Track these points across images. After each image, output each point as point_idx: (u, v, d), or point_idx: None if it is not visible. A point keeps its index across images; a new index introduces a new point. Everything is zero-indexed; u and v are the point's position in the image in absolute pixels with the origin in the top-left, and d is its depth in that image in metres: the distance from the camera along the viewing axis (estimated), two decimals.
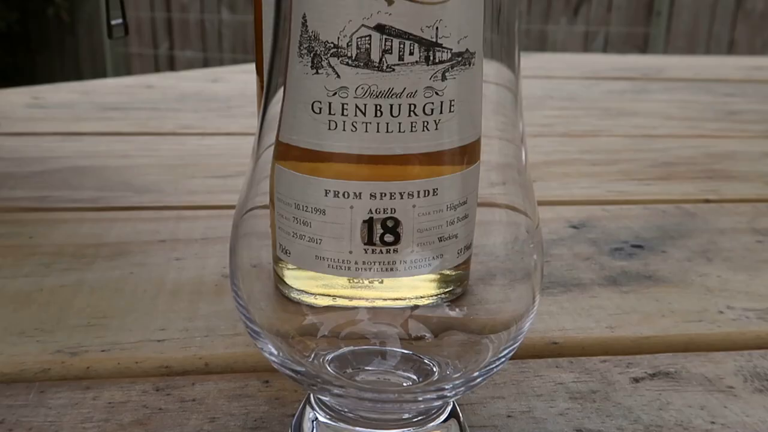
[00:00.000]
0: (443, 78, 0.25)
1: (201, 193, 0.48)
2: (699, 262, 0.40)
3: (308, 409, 0.23)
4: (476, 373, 0.21)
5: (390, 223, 0.24)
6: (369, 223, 0.25)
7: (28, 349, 0.30)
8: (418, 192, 0.25)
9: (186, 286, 0.35)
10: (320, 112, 0.26)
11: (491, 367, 0.21)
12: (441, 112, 0.25)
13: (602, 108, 0.77)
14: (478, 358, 0.22)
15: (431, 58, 0.24)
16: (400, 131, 0.25)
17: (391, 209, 0.25)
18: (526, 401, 0.27)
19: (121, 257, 0.38)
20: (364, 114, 0.25)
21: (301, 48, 0.26)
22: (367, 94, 0.25)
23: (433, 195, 0.25)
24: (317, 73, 0.26)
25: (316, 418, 0.23)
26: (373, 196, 0.25)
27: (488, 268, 0.22)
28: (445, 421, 0.23)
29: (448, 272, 0.25)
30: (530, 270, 0.22)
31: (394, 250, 0.25)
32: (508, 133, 0.22)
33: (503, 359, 0.22)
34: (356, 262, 0.25)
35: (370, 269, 0.25)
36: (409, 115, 0.25)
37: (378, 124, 0.25)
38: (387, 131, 0.25)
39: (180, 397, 0.27)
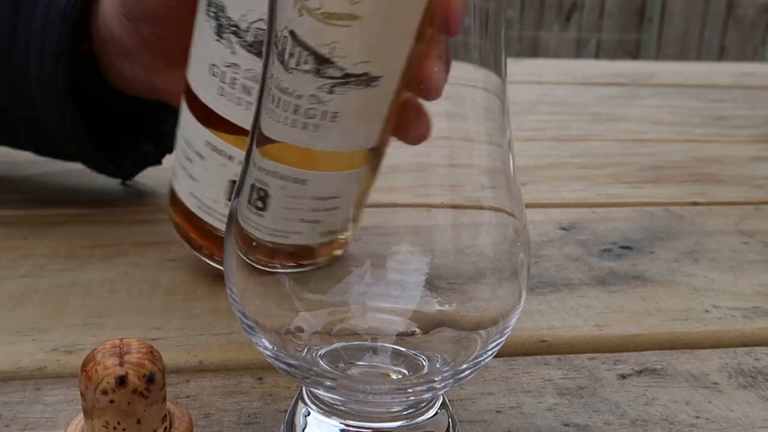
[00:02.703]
0: (330, 92, 0.27)
1: None
2: (686, 262, 0.41)
3: (300, 404, 0.24)
4: (465, 366, 0.22)
5: (259, 192, 0.26)
6: (233, 183, 0.27)
7: (25, 348, 0.30)
8: (287, 177, 0.27)
9: (181, 286, 0.36)
10: (215, 76, 0.29)
11: (479, 360, 0.22)
12: (321, 120, 0.27)
13: (593, 113, 0.78)
14: (467, 352, 0.22)
15: (321, 72, 0.26)
16: (279, 122, 0.27)
17: (262, 182, 0.27)
18: (515, 397, 0.28)
19: (116, 258, 0.38)
20: (249, 94, 0.28)
21: (209, 10, 0.28)
22: (255, 78, 0.27)
23: (302, 184, 0.28)
24: (218, 40, 0.29)
25: (309, 413, 0.23)
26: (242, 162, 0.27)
27: (478, 267, 0.23)
28: (435, 414, 0.23)
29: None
30: (517, 268, 0.23)
31: (259, 215, 0.27)
32: (497, 138, 0.22)
33: (491, 353, 0.22)
34: (221, 213, 0.29)
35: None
36: (292, 112, 0.26)
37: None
38: (269, 117, 0.27)
39: (175, 393, 0.27)
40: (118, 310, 0.33)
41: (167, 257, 0.39)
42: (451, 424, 0.24)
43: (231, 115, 0.29)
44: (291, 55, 0.27)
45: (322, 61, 0.26)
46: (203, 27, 0.30)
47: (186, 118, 0.32)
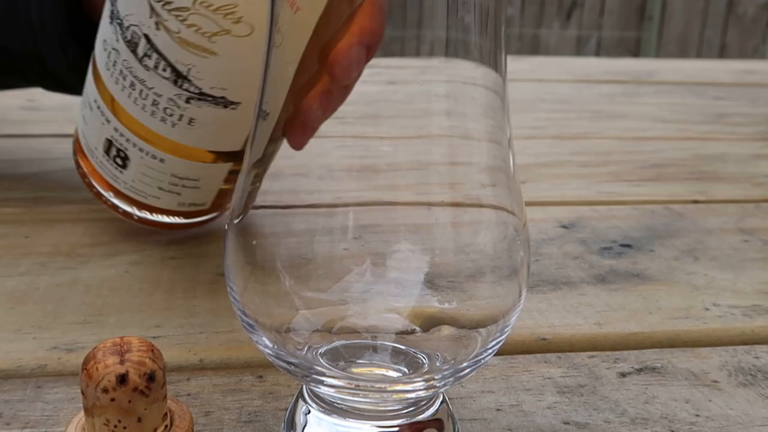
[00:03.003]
0: (187, 101, 0.32)
1: None
2: (686, 261, 0.41)
3: (301, 402, 0.24)
4: (465, 364, 0.22)
5: (122, 154, 0.34)
6: (108, 141, 0.34)
7: (25, 346, 0.30)
8: (146, 152, 0.34)
9: (181, 284, 0.36)
10: (104, 51, 0.33)
11: (479, 358, 0.22)
12: (179, 120, 0.32)
13: (593, 111, 0.78)
14: (467, 350, 0.22)
15: (178, 83, 0.31)
16: (143, 109, 0.32)
17: (124, 147, 0.34)
18: (515, 395, 0.28)
19: (117, 256, 0.38)
20: (124, 80, 0.32)
21: None
22: (128, 70, 0.32)
23: (160, 162, 0.34)
24: (110, 23, 0.33)
25: (309, 411, 0.23)
26: (116, 130, 0.34)
27: (478, 266, 0.23)
28: (435, 413, 0.23)
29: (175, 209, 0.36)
30: (517, 267, 0.23)
31: (120, 171, 0.35)
32: (496, 136, 0.22)
33: (491, 351, 0.22)
34: (99, 161, 0.36)
35: (104, 171, 0.36)
36: (152, 105, 0.32)
37: (131, 93, 0.32)
38: (134, 102, 0.32)
39: (175, 392, 0.27)
40: (119, 308, 0.33)
41: (168, 255, 0.39)
42: (451, 422, 0.24)
43: (110, 88, 0.33)
44: (147, 56, 0.31)
45: (179, 76, 0.31)
46: (107, 3, 0.34)
47: (90, 68, 0.36)
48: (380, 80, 0.22)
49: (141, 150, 0.34)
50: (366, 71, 0.22)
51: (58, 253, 0.39)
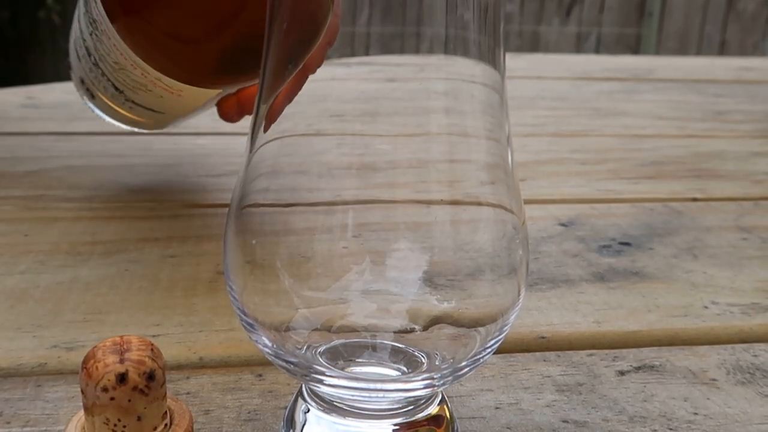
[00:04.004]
0: (126, 101, 0.41)
1: (195, 192, 0.49)
2: (685, 258, 0.41)
3: (300, 401, 0.24)
4: (464, 363, 0.22)
5: (89, 93, 0.43)
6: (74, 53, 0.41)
7: (25, 345, 0.30)
8: (100, 86, 0.41)
9: (181, 282, 0.36)
10: (84, 14, 0.38)
11: (478, 357, 0.22)
12: (124, 102, 0.40)
13: (593, 108, 0.78)
14: (466, 349, 0.22)
15: (118, 90, 0.40)
16: (102, 75, 0.39)
17: (89, 80, 0.41)
18: (514, 393, 0.28)
19: (116, 255, 0.38)
20: (93, 42, 0.37)
21: None
22: (93, 34, 0.37)
23: (115, 92, 0.40)
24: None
25: (308, 410, 0.24)
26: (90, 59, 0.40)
27: (477, 264, 0.23)
28: (434, 411, 0.23)
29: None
30: (516, 265, 0.23)
31: (90, 102, 0.44)
32: (495, 133, 0.22)
33: (490, 350, 0.22)
34: (72, 67, 0.43)
35: (74, 74, 0.43)
36: (102, 75, 0.39)
37: (93, 56, 0.38)
38: (94, 64, 0.39)
39: (175, 390, 0.28)
40: (119, 306, 0.33)
41: (167, 253, 0.39)
42: (450, 420, 0.24)
43: (83, 42, 0.39)
44: (95, 65, 0.39)
45: (116, 89, 0.39)
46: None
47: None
48: (379, 77, 0.22)
49: (97, 80, 0.40)
50: (365, 68, 0.22)
51: (58, 252, 0.39)
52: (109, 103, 0.41)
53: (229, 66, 0.35)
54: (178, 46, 0.34)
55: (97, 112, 0.44)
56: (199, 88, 0.37)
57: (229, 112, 0.41)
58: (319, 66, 0.22)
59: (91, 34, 0.37)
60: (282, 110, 0.22)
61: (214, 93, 0.38)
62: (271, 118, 0.22)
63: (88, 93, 0.42)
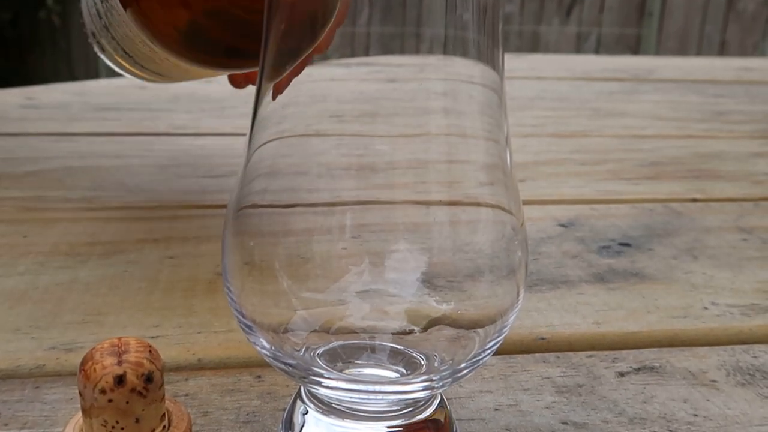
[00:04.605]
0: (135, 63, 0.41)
1: (194, 193, 0.49)
2: (685, 259, 0.41)
3: (299, 402, 0.24)
4: (463, 364, 0.22)
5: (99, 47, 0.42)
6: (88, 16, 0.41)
7: (24, 346, 0.30)
8: (110, 46, 0.40)
9: (180, 283, 0.36)
10: None
11: (477, 358, 0.22)
12: (134, 64, 0.41)
13: (592, 108, 0.78)
14: (465, 350, 0.22)
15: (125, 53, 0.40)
16: (112, 39, 0.39)
17: (100, 35, 0.40)
18: (514, 395, 0.28)
19: (116, 255, 0.38)
20: (104, 10, 0.38)
21: None
22: (104, 3, 0.37)
23: (125, 54, 0.40)
24: None
25: (307, 411, 0.23)
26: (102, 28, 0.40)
27: (476, 265, 0.23)
28: (433, 413, 0.23)
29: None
30: (515, 266, 0.23)
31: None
32: (494, 134, 0.22)
33: (489, 351, 0.22)
34: (84, 20, 0.42)
35: (87, 27, 0.42)
36: (112, 39, 0.39)
37: (104, 20, 0.38)
38: (104, 27, 0.39)
39: (173, 392, 0.27)
40: (117, 307, 0.33)
41: (166, 255, 0.39)
42: (449, 422, 0.24)
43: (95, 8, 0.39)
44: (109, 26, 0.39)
45: (123, 50, 0.40)
46: None
47: None
48: (379, 78, 0.22)
49: (95, 39, 0.42)
50: (364, 69, 0.22)
51: (57, 253, 0.39)
52: (119, 60, 0.42)
53: (234, 53, 0.35)
54: (187, 38, 0.35)
55: (108, 62, 0.45)
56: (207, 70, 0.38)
57: (237, 78, 0.42)
58: (328, 47, 0.21)
59: (102, 2, 0.37)
60: (290, 82, 0.22)
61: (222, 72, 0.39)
62: (278, 89, 0.22)
63: (99, 45, 0.42)
